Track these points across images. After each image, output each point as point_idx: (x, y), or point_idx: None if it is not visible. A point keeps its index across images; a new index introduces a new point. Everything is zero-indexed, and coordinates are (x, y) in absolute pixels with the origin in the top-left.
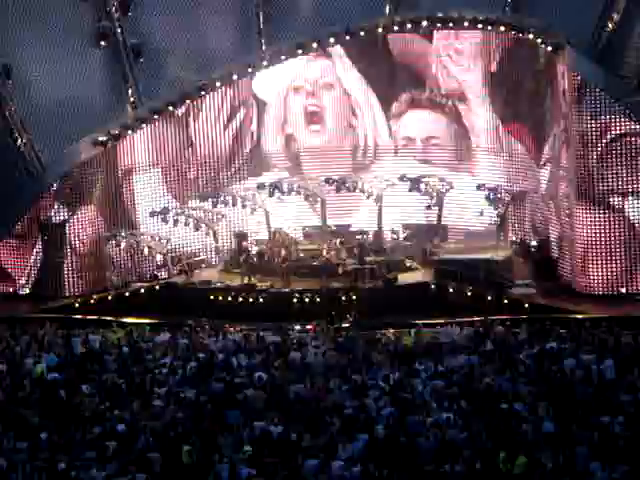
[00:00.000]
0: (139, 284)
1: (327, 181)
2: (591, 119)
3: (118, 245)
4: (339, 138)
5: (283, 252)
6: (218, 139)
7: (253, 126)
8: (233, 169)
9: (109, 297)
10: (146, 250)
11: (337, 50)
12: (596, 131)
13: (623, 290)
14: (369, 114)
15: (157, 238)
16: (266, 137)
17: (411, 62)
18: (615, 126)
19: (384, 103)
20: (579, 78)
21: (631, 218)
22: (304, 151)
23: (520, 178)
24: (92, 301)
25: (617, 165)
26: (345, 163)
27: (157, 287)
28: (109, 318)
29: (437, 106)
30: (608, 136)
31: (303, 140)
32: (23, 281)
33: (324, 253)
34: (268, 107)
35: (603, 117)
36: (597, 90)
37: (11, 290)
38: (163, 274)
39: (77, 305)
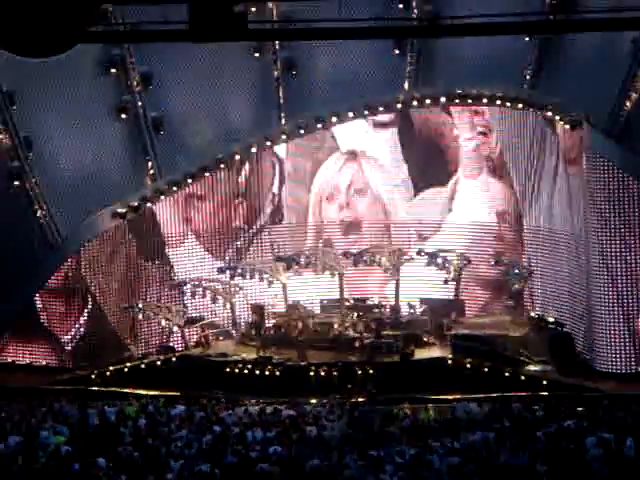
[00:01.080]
0: (155, 356)
1: (345, 254)
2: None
3: (135, 317)
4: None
5: (300, 325)
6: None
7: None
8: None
9: (125, 369)
10: (163, 322)
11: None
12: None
13: None
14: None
15: (174, 310)
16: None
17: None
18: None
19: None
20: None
21: None
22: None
23: (538, 254)
24: (108, 373)
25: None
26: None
27: (173, 359)
28: (125, 390)
29: None
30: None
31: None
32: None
33: (341, 326)
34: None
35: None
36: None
37: (28, 361)
38: (179, 346)
39: (93, 377)
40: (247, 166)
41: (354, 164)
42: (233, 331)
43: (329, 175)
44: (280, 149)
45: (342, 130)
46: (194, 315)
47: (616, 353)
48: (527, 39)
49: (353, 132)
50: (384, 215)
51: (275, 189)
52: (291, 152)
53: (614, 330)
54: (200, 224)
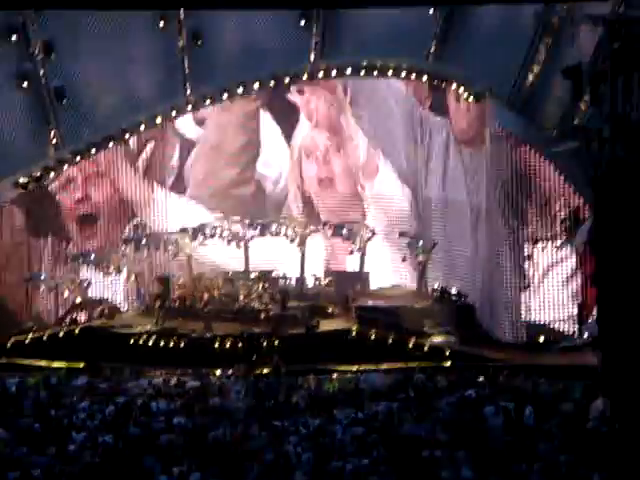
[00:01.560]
0: (57, 327)
1: (251, 225)
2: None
3: (37, 288)
4: None
5: (205, 296)
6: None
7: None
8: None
9: (26, 341)
10: (66, 293)
11: None
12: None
13: (542, 339)
14: None
15: (77, 281)
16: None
17: None
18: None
19: None
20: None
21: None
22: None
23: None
24: (9, 345)
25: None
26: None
27: (76, 331)
28: (26, 362)
29: None
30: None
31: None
32: None
33: (246, 298)
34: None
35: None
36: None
37: None
38: (82, 317)
39: None
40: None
41: None
42: (137, 302)
43: None
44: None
45: None
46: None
47: (515, 324)
48: (431, 11)
49: None
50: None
51: (175, 162)
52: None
53: (514, 302)
54: (101, 200)
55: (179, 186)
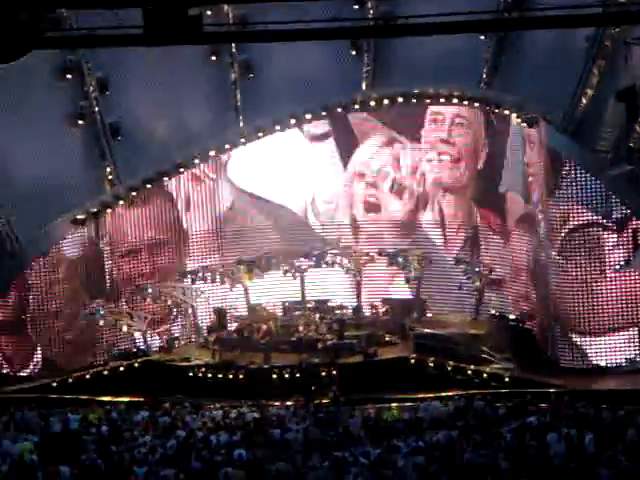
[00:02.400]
0: (118, 362)
1: (306, 256)
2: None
3: (97, 323)
4: None
5: (263, 327)
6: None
7: None
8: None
9: (87, 376)
10: (125, 328)
11: None
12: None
13: (603, 364)
14: None
15: (136, 315)
16: None
17: None
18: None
19: None
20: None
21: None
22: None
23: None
24: (70, 380)
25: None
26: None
27: (136, 365)
28: (87, 397)
29: None
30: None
31: None
32: None
33: (303, 328)
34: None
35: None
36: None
37: None
38: (142, 352)
39: (55, 384)
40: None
41: None
42: (195, 335)
43: None
44: None
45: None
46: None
47: (575, 349)
48: (482, 37)
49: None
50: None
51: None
52: None
53: (573, 326)
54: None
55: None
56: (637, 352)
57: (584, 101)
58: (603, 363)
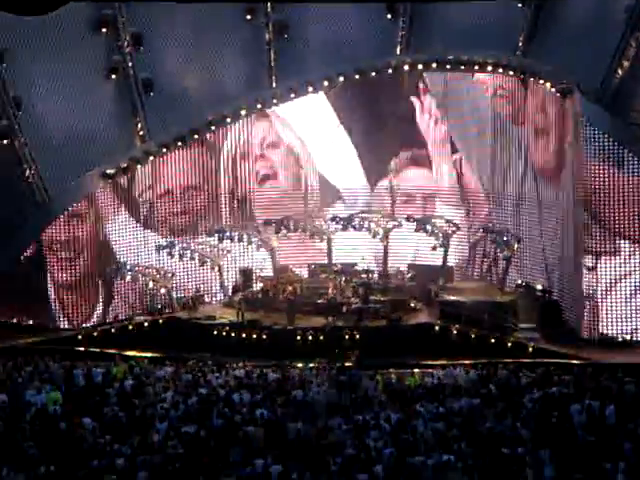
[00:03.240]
0: (143, 317)
1: (334, 219)
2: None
3: (123, 278)
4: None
5: (288, 289)
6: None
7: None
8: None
9: (112, 330)
10: (151, 284)
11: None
12: (598, 177)
13: (627, 337)
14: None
15: (162, 272)
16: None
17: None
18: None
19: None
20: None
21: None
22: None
23: (525, 222)
24: (95, 333)
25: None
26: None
27: (160, 321)
28: (112, 351)
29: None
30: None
31: None
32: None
33: (329, 291)
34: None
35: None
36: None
37: (15, 320)
38: (167, 308)
39: (80, 337)
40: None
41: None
42: (221, 294)
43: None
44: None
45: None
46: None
47: (600, 322)
48: (520, 5)
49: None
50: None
51: None
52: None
53: (598, 300)
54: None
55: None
56: None
57: (620, 73)
58: (628, 337)
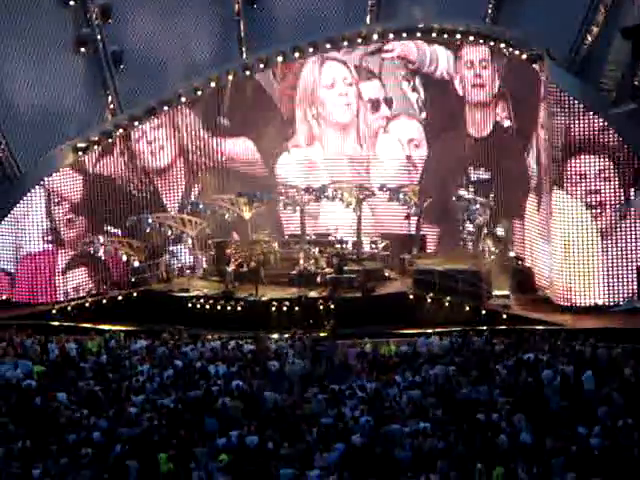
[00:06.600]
0: (117, 291)
1: (307, 190)
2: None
3: (97, 251)
4: None
5: (262, 260)
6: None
7: None
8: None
9: (86, 304)
10: (124, 257)
11: None
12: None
13: (600, 302)
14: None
15: (135, 245)
16: None
17: None
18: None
19: None
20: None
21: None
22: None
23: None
24: (69, 308)
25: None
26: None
27: (135, 294)
28: (86, 325)
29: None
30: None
31: None
32: None
33: (302, 262)
34: None
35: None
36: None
37: None
38: (141, 281)
39: (54, 311)
40: None
41: None
42: (195, 266)
43: None
44: None
45: None
46: None
47: (573, 287)
48: None
49: None
50: None
51: None
52: None
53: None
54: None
55: None
56: (635, 292)
57: (589, 38)
58: (600, 302)
